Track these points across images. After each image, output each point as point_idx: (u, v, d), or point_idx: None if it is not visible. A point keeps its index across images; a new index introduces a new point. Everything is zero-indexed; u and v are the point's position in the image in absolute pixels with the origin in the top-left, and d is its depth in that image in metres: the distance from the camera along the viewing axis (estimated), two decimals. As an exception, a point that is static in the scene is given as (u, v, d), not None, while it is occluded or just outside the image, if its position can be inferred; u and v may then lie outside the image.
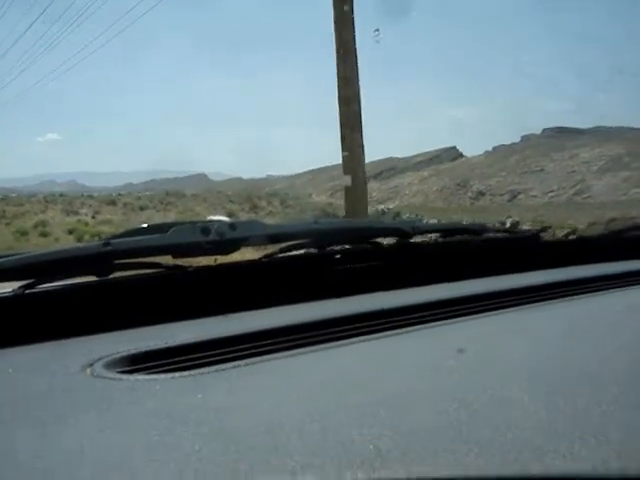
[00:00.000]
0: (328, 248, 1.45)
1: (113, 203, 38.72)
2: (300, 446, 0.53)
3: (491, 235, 1.80)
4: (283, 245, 1.42)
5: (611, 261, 1.68)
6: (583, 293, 1.27)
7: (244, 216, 31.61)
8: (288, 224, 2.37)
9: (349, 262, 1.47)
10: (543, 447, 0.51)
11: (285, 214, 37.20)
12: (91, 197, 42.45)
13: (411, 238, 1.57)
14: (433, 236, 1.70)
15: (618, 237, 1.93)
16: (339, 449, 0.53)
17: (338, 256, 1.47)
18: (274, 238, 1.41)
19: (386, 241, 1.58)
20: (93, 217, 33.03)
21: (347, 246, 1.55)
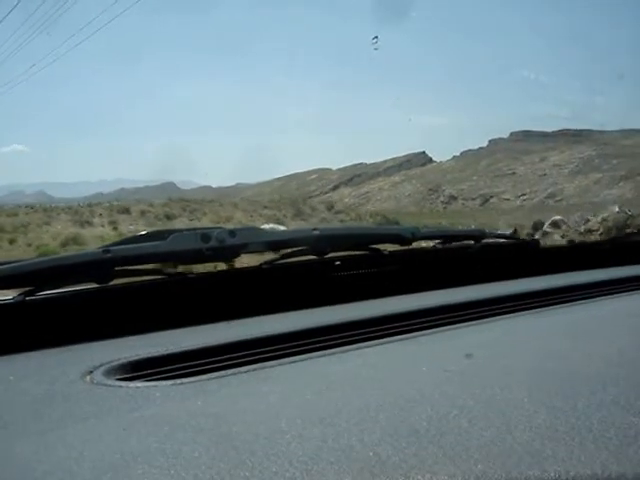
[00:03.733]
0: (328, 255, 1.45)
1: (127, 211, 33.39)
2: (300, 452, 0.53)
3: (491, 241, 1.80)
4: (283, 252, 1.42)
5: (611, 266, 1.68)
6: (584, 299, 1.27)
7: (293, 224, 28.52)
8: (288, 231, 2.37)
9: (349, 269, 1.47)
10: (543, 452, 0.51)
11: (340, 221, 33.20)
12: (91, 205, 37.24)
13: (411, 244, 1.57)
14: (433, 242, 1.69)
15: (618, 243, 1.93)
16: (339, 455, 0.53)
17: (338, 263, 1.47)
18: (274, 245, 1.41)
19: (386, 247, 1.58)
20: (115, 228, 28.58)
21: (347, 253, 1.55)
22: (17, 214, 32.67)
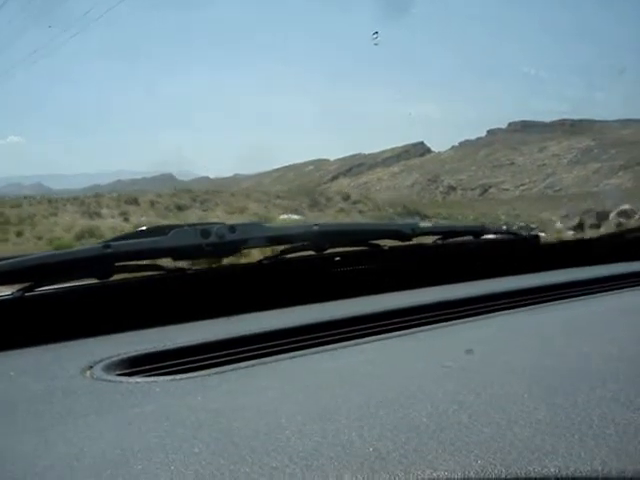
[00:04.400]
0: (328, 250, 1.45)
1: (135, 202, 30.53)
2: (300, 448, 0.53)
3: (491, 237, 1.80)
4: (283, 247, 1.42)
5: (611, 262, 1.68)
6: (583, 295, 1.27)
7: (310, 215, 27.11)
8: (288, 226, 2.37)
9: (349, 264, 1.47)
10: (543, 448, 0.51)
11: (359, 211, 31.15)
12: (97, 196, 33.58)
13: (411, 240, 1.57)
14: (433, 238, 1.69)
15: (617, 239, 1.93)
16: (339, 451, 0.53)
17: (338, 258, 1.47)
18: (274, 240, 1.41)
19: (386, 243, 1.58)
20: (126, 220, 26.16)
21: (347, 248, 1.55)
22: (20, 205, 30.23)
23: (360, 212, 31.41)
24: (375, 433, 0.56)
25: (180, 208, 30.02)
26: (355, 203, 34.82)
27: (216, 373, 0.80)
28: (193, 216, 25.91)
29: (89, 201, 31.23)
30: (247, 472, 0.50)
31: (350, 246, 1.55)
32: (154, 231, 1.37)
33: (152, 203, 30.85)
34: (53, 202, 31.62)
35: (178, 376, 0.80)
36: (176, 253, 1.29)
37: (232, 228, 1.30)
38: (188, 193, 34.68)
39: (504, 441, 0.52)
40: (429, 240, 1.70)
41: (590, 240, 1.93)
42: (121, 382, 0.79)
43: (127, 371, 0.85)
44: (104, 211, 28.66)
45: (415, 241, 1.59)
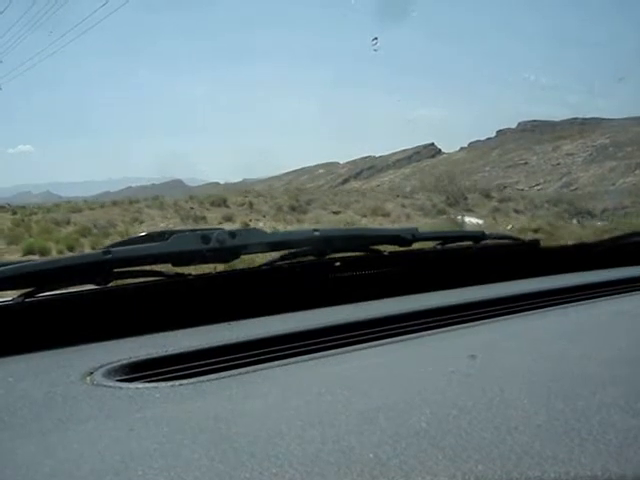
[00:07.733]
0: (328, 256, 1.45)
1: (224, 203, 26.25)
2: (300, 454, 0.53)
3: (491, 242, 1.80)
4: (283, 253, 1.42)
5: (610, 267, 1.68)
6: (584, 299, 1.27)
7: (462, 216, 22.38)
8: (288, 232, 2.37)
9: (349, 270, 1.47)
10: (543, 453, 0.51)
11: (514, 210, 25.30)
12: (156, 198, 29.03)
13: (411, 245, 1.57)
14: (433, 243, 1.69)
15: (617, 244, 1.93)
16: (339, 457, 0.53)
17: (338, 264, 1.47)
18: (274, 246, 1.41)
19: (386, 248, 1.58)
20: (246, 224, 21.33)
21: (347, 254, 1.55)
22: (81, 209, 25.91)
23: (517, 212, 26.05)
24: (375, 439, 0.56)
25: (294, 209, 26.03)
26: (503, 202, 28.96)
27: (216, 379, 0.80)
28: (324, 220, 22.23)
29: (167, 202, 27.18)
30: (247, 478, 0.50)
31: (351, 251, 1.56)
32: (155, 236, 1.37)
33: (250, 204, 26.47)
34: (119, 204, 27.55)
35: (178, 382, 0.80)
36: (176, 259, 1.29)
37: (232, 234, 1.30)
38: (288, 193, 29.99)
39: (504, 446, 0.52)
40: (429, 245, 1.70)
41: (590, 245, 1.93)
42: (121, 388, 0.79)
43: (127, 377, 0.85)
44: (209, 215, 24.68)
45: (415, 246, 1.59)
